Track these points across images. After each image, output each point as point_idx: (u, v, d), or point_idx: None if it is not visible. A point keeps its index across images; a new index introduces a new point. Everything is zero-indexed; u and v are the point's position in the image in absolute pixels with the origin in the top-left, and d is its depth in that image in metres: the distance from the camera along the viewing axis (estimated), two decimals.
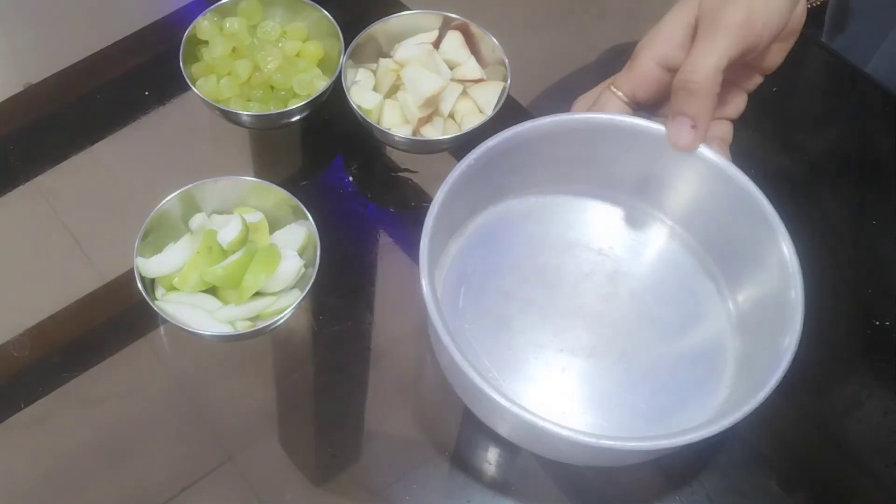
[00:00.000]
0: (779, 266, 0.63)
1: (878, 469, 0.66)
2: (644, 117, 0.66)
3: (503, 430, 0.63)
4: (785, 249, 0.63)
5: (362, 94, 0.76)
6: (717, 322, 0.68)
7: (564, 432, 0.56)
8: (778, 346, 0.60)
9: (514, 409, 0.56)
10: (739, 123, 0.69)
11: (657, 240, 0.71)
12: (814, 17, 0.99)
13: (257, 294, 0.67)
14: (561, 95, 0.83)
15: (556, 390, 0.65)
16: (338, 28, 0.78)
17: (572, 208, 0.72)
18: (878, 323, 0.71)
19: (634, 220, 0.72)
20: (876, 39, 0.93)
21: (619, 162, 0.69)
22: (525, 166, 0.69)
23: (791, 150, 0.81)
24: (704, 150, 0.65)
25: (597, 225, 0.71)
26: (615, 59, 0.86)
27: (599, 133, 0.67)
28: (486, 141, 0.65)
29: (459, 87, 0.77)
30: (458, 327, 0.66)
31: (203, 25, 0.78)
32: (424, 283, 0.60)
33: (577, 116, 0.67)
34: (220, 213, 0.71)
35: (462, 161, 0.64)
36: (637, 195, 0.71)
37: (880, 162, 0.81)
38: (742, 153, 0.76)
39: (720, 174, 0.65)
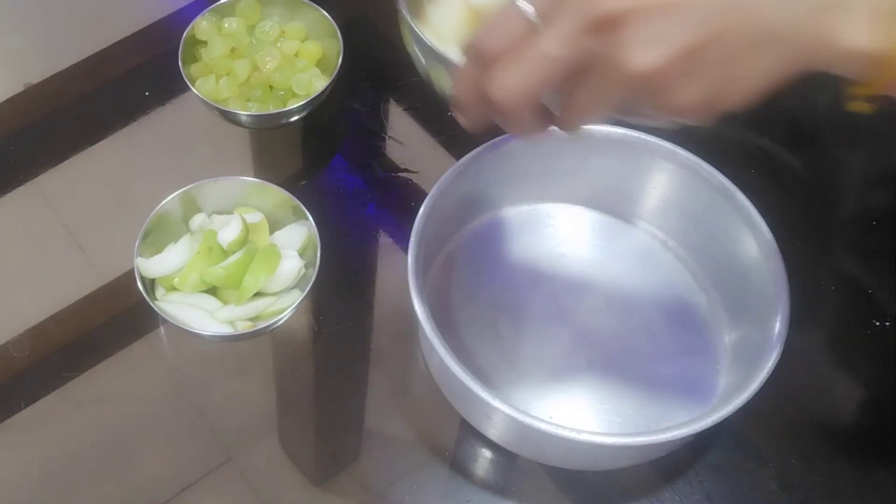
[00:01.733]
0: (759, 253, 0.64)
1: (878, 469, 0.66)
2: (631, 125, 0.67)
3: (491, 431, 0.63)
4: (765, 231, 0.64)
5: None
6: (708, 324, 0.68)
7: (546, 427, 0.56)
8: (769, 333, 0.60)
9: (497, 403, 0.57)
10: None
11: (647, 248, 0.72)
12: None
13: (257, 294, 0.67)
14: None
15: (544, 397, 0.65)
16: (336, 28, 0.78)
17: (565, 218, 0.72)
18: (878, 323, 0.71)
19: (625, 230, 0.72)
20: None
21: (608, 172, 0.70)
22: (516, 176, 0.70)
23: (790, 148, 0.81)
24: (689, 158, 0.66)
25: (588, 235, 0.72)
26: None
27: (589, 143, 0.68)
28: (470, 153, 0.66)
29: None
30: (449, 333, 0.67)
31: (202, 26, 0.78)
32: (412, 285, 0.60)
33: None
34: (220, 213, 0.71)
35: (449, 171, 0.65)
36: (628, 205, 0.72)
37: (881, 161, 0.81)
38: (741, 151, 0.76)
39: (708, 182, 0.66)
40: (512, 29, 0.46)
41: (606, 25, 0.43)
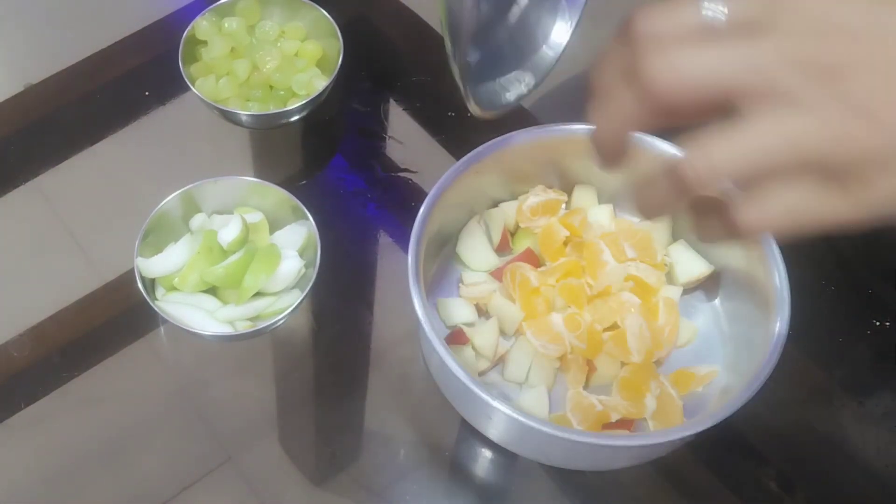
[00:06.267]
0: (759, 253, 0.63)
1: (878, 469, 0.66)
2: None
3: (491, 431, 0.63)
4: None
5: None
6: (707, 326, 0.68)
7: (546, 427, 0.56)
8: (769, 333, 0.60)
9: (496, 403, 0.57)
10: None
11: None
12: None
13: (257, 294, 0.67)
14: (560, 97, 0.83)
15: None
16: (336, 28, 0.78)
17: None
18: (878, 323, 0.71)
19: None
20: None
21: (607, 171, 0.70)
22: (516, 175, 0.69)
23: None
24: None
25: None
26: None
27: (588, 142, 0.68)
28: (470, 153, 0.66)
29: None
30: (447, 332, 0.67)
31: (202, 25, 0.78)
32: (412, 285, 0.60)
33: (564, 127, 0.67)
34: (220, 213, 0.71)
35: (449, 171, 0.65)
36: (628, 204, 0.71)
37: None
38: None
39: None
40: (687, 20, 0.38)
41: (825, 71, 0.36)
